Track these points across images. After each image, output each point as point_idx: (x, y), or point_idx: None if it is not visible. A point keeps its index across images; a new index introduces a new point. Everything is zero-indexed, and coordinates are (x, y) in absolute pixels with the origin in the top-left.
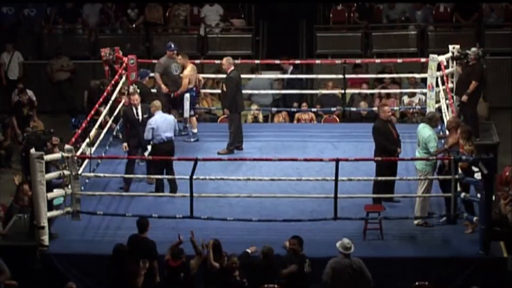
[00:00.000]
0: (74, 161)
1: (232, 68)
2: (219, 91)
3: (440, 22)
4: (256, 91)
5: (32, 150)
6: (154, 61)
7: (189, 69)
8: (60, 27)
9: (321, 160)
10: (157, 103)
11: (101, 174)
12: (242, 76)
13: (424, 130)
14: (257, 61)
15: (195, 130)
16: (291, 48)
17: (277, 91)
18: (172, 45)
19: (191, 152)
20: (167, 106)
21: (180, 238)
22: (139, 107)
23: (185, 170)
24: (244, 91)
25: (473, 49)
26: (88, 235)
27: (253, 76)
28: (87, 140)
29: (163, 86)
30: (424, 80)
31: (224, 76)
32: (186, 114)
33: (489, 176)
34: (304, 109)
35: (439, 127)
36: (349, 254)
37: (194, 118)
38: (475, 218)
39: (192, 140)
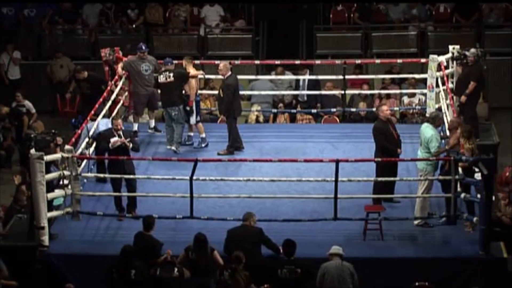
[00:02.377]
0: (74, 162)
1: (230, 73)
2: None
3: (440, 22)
4: (256, 92)
5: (32, 151)
6: None
7: (193, 73)
8: (60, 27)
9: (321, 160)
10: None
11: (101, 174)
12: (245, 77)
13: (427, 130)
14: (256, 62)
15: (204, 135)
16: (291, 49)
17: (277, 92)
18: (143, 46)
19: (191, 153)
20: (144, 104)
21: (169, 254)
22: (121, 132)
23: (185, 171)
24: (246, 92)
25: (472, 50)
26: (88, 236)
27: (253, 77)
28: (86, 139)
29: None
30: (424, 80)
31: (217, 77)
32: (193, 120)
33: (489, 176)
34: (303, 110)
35: (440, 127)
36: (341, 255)
37: (200, 124)
38: (475, 219)
39: (202, 145)
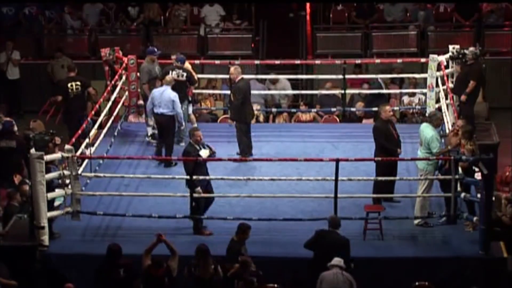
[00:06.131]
0: (74, 161)
1: (241, 77)
2: (218, 91)
3: (440, 22)
4: (256, 92)
5: (32, 150)
6: None
7: (188, 65)
8: (61, 27)
9: (321, 160)
10: (168, 77)
11: (101, 174)
12: (245, 77)
13: (427, 130)
14: (257, 62)
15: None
16: (291, 49)
17: (271, 92)
18: (156, 49)
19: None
20: None
21: (162, 237)
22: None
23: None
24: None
25: (471, 48)
26: (88, 235)
27: (253, 76)
28: (87, 140)
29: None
30: (424, 80)
31: (217, 76)
32: (191, 110)
33: (489, 176)
34: (304, 109)
35: (439, 127)
36: (340, 267)
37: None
38: (475, 218)
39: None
